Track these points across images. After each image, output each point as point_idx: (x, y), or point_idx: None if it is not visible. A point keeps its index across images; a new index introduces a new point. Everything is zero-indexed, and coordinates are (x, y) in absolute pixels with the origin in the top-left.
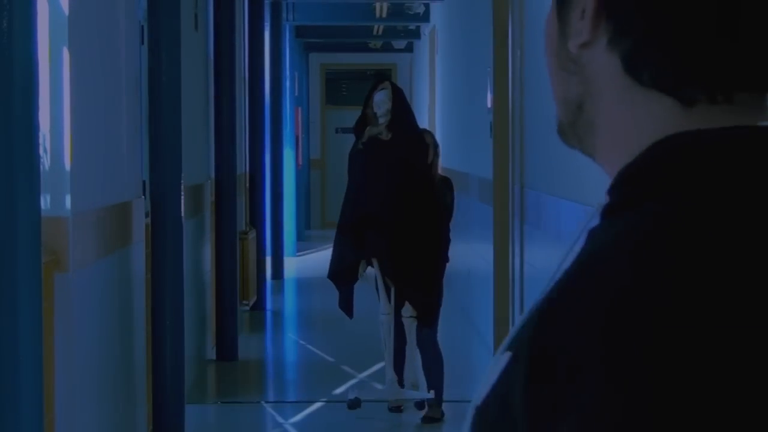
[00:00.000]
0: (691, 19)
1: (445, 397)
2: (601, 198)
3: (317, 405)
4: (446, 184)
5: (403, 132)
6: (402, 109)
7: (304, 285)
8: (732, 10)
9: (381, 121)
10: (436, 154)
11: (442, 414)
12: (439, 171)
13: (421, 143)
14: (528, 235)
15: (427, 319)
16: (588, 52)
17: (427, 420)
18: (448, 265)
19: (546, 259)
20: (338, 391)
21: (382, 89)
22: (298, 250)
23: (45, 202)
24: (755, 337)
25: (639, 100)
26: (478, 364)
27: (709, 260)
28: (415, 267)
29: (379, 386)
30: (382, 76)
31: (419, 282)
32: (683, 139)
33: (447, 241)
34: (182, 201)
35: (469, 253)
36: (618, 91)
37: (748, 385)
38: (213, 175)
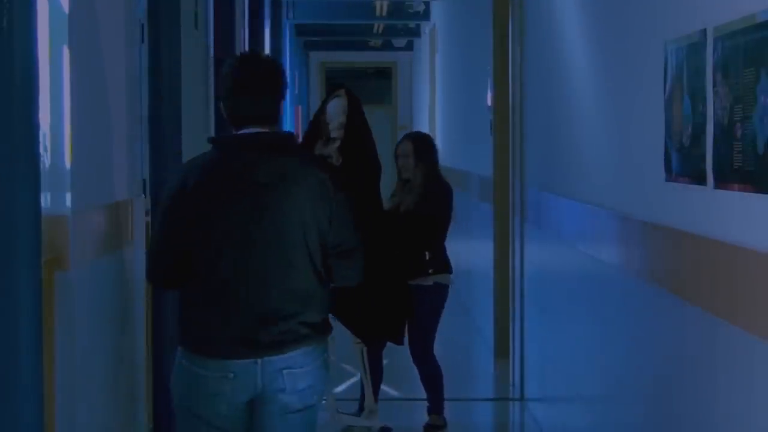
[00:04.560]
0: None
1: (446, 396)
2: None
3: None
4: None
5: (358, 160)
6: (359, 127)
7: None
8: (232, 105)
9: (334, 134)
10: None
11: (445, 422)
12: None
13: (375, 173)
14: (528, 233)
15: (373, 340)
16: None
17: (429, 429)
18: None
19: (546, 257)
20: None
21: (336, 97)
22: None
23: (45, 200)
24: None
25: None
26: (479, 361)
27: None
28: (354, 297)
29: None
30: (339, 84)
31: (352, 310)
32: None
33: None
34: None
35: (469, 251)
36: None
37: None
38: None
